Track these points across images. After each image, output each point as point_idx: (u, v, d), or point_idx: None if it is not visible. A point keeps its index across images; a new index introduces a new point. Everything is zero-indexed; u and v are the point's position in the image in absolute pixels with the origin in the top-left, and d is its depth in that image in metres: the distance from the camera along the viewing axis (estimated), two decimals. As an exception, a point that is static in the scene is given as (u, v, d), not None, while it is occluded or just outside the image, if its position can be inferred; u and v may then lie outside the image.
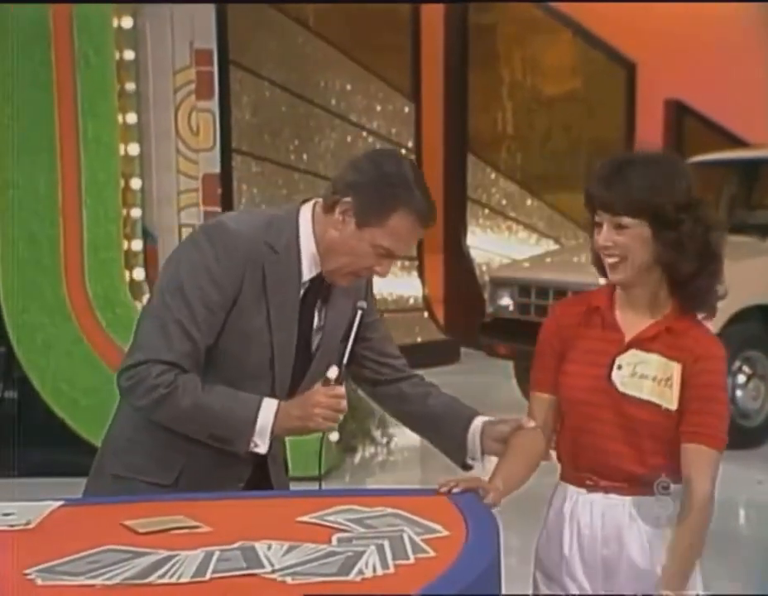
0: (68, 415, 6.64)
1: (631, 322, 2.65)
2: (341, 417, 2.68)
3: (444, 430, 2.93)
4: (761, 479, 6.82)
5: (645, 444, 2.60)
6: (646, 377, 2.59)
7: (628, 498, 2.63)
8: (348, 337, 2.73)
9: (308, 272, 2.73)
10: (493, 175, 11.91)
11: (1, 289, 6.71)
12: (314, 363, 2.77)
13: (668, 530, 2.59)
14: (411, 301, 11.03)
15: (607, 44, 12.02)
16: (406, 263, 10.98)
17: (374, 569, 2.01)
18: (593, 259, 2.71)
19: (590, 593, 2.67)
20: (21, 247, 6.61)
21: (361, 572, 1.99)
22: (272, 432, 2.63)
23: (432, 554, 2.10)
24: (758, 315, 7.62)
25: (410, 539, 2.16)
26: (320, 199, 2.75)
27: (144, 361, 2.60)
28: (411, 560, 2.06)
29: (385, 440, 7.42)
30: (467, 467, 2.91)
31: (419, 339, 10.70)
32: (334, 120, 10.27)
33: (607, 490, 2.64)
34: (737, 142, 11.25)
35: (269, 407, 2.63)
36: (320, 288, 2.77)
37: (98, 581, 1.96)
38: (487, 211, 11.81)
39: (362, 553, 2.07)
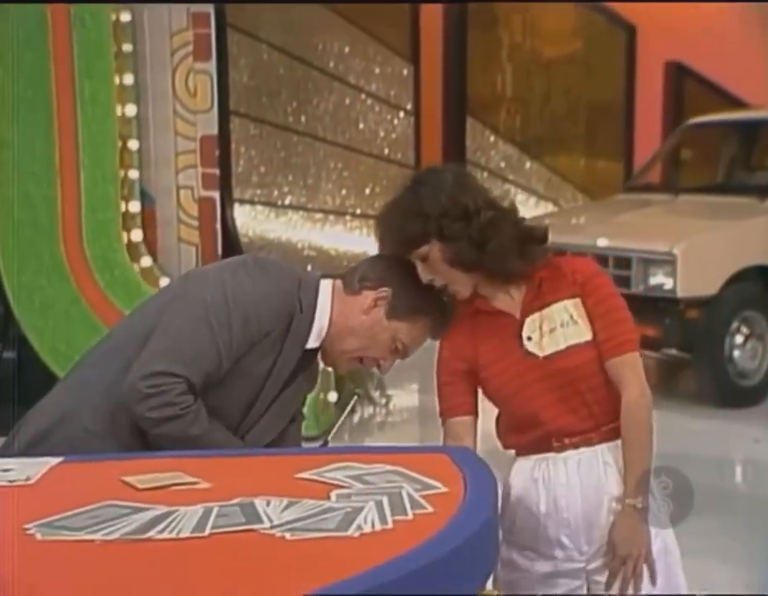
0: (66, 376, 6.64)
1: (511, 303, 2.71)
2: None
3: None
4: (758, 437, 6.85)
5: (591, 383, 2.65)
6: (554, 329, 2.66)
7: (599, 446, 2.68)
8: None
9: (312, 341, 2.76)
10: (492, 138, 11.88)
11: (-1, 250, 6.72)
12: (266, 419, 2.79)
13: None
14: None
15: (607, 6, 11.96)
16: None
17: (373, 525, 2.01)
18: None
19: (572, 550, 2.69)
20: (17, 208, 6.60)
21: (359, 528, 2.00)
22: None
23: (430, 510, 2.10)
24: (756, 276, 7.63)
25: (409, 495, 2.16)
26: (339, 281, 2.81)
27: (171, 373, 2.57)
28: (410, 516, 2.07)
29: (383, 401, 7.45)
30: None
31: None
32: (333, 82, 10.23)
33: (576, 445, 2.68)
34: (737, 104, 11.22)
35: None
36: (304, 363, 2.80)
37: (97, 536, 1.96)
38: (486, 174, 11.78)
39: (361, 509, 2.08)
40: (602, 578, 2.66)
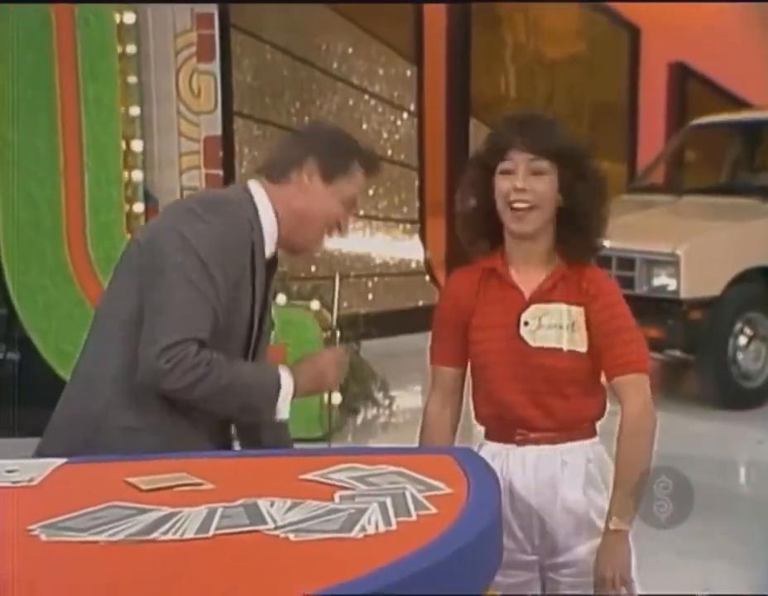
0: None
1: (527, 278, 2.70)
2: (345, 374, 2.88)
3: None
4: (762, 439, 6.84)
5: (566, 390, 2.66)
6: (553, 326, 2.66)
7: (560, 446, 2.69)
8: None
9: (269, 249, 2.78)
10: (496, 139, 11.87)
11: (2, 250, 6.71)
12: (262, 342, 2.85)
13: (598, 468, 2.70)
14: (413, 265, 11.02)
15: (610, 7, 11.96)
16: (408, 226, 10.97)
17: (376, 526, 2.02)
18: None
19: (524, 542, 2.71)
20: (20, 209, 6.61)
21: (363, 529, 2.00)
22: (293, 397, 2.73)
23: (434, 511, 2.10)
24: (759, 277, 7.62)
25: (413, 496, 2.17)
26: (262, 178, 2.80)
27: (181, 341, 2.57)
28: (413, 517, 2.07)
29: (387, 402, 7.45)
30: None
31: (420, 303, 10.69)
32: (336, 83, 10.23)
33: (538, 441, 2.69)
34: (741, 104, 11.21)
35: (286, 377, 2.72)
36: (270, 270, 2.84)
37: (101, 537, 1.97)
38: (489, 175, 11.78)
39: (365, 510, 2.08)
40: (559, 576, 2.71)
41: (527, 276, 2.70)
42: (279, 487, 2.23)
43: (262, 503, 2.12)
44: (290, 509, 2.10)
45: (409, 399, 7.69)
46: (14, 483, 2.29)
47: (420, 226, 11.03)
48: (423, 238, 11.09)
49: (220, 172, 7.22)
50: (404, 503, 2.13)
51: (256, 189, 2.78)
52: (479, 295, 2.74)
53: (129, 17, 6.95)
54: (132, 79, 6.96)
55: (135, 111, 6.97)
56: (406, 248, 10.94)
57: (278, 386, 2.69)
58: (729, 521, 5.39)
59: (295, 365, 2.79)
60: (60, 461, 2.44)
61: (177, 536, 1.98)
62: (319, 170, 2.77)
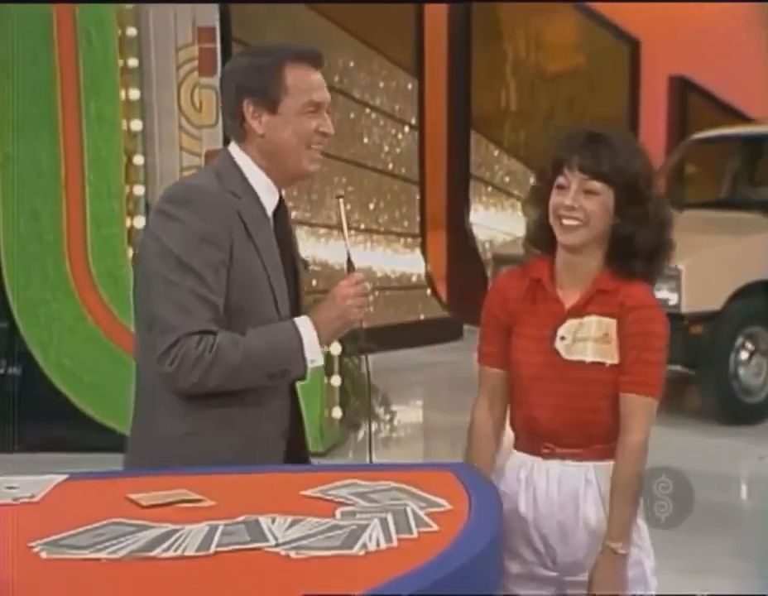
0: (71, 391, 6.66)
1: (571, 292, 2.70)
2: (370, 298, 2.76)
3: None
4: (763, 455, 6.83)
5: (595, 406, 2.65)
6: (586, 339, 2.66)
7: (585, 464, 2.68)
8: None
9: (270, 206, 2.76)
10: (496, 152, 11.89)
11: (4, 264, 6.72)
12: (299, 281, 2.84)
13: None
14: (414, 278, 11.03)
15: (610, 21, 11.98)
16: (409, 240, 10.97)
17: (378, 543, 2.02)
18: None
19: (545, 557, 2.70)
20: (22, 223, 6.61)
21: (364, 546, 2.00)
22: (321, 342, 2.69)
23: (435, 528, 2.10)
24: (761, 291, 7.62)
25: (414, 513, 2.17)
26: (232, 142, 2.79)
27: (176, 340, 2.56)
28: (415, 534, 2.07)
29: (387, 417, 7.43)
30: None
31: (421, 316, 10.70)
32: (337, 97, 10.25)
33: (563, 457, 2.69)
34: (741, 118, 11.22)
35: (305, 325, 2.67)
36: (285, 215, 2.82)
37: (102, 554, 1.97)
38: (490, 188, 11.80)
39: (366, 527, 2.08)
40: (576, 593, 2.68)
41: (571, 291, 2.71)
42: (280, 503, 2.23)
43: (263, 520, 2.11)
44: (291, 526, 2.10)
45: (410, 414, 7.68)
46: (15, 499, 2.29)
47: (421, 240, 11.03)
48: (424, 252, 11.09)
49: (221, 186, 7.22)
50: (405, 520, 2.13)
51: (236, 152, 2.76)
52: (524, 302, 2.74)
53: (131, 31, 6.97)
54: (134, 94, 6.97)
55: (136, 125, 6.98)
56: (407, 262, 10.94)
57: (299, 340, 2.65)
58: (730, 537, 5.38)
59: (314, 308, 2.74)
60: (60, 478, 2.44)
61: (178, 553, 1.98)
62: (259, 106, 2.70)
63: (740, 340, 7.58)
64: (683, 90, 12.24)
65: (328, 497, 2.28)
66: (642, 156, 2.68)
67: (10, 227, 6.63)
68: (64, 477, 2.45)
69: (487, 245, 11.37)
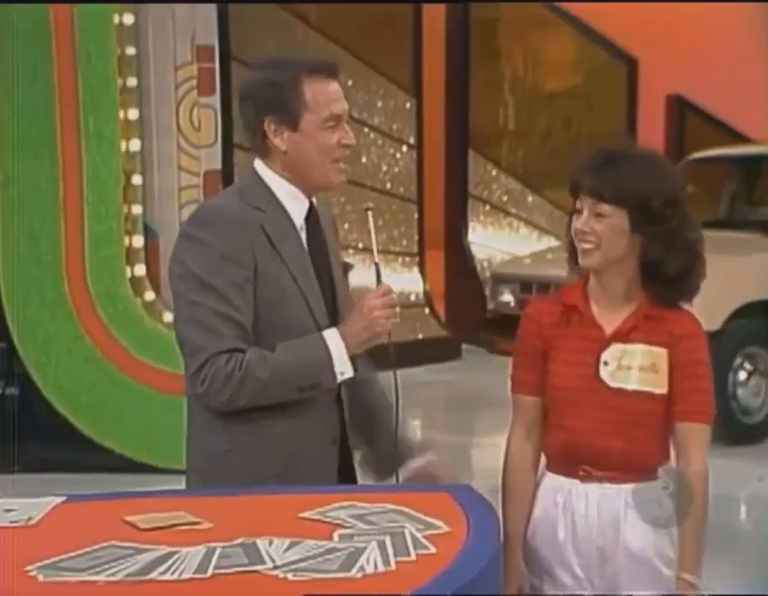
0: (69, 412, 6.65)
1: (609, 316, 2.68)
2: (398, 309, 2.73)
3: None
4: (762, 475, 6.82)
5: (637, 434, 2.64)
6: (633, 367, 2.63)
7: (624, 487, 2.66)
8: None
9: (299, 216, 2.76)
10: (494, 171, 11.90)
11: (2, 285, 6.72)
12: (336, 287, 2.83)
13: (664, 511, 2.65)
14: (412, 297, 11.02)
15: (608, 40, 12.00)
16: (407, 259, 10.97)
17: (375, 566, 2.01)
18: (568, 249, 2.76)
19: (584, 581, 2.68)
20: (21, 244, 6.61)
21: (362, 568, 2.00)
22: (348, 353, 2.68)
23: (433, 550, 2.10)
24: (760, 312, 7.61)
25: (412, 535, 2.16)
26: (257, 158, 2.80)
27: (205, 361, 2.58)
28: (413, 557, 2.07)
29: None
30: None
31: (420, 335, 10.68)
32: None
33: (601, 480, 2.67)
34: (739, 138, 11.24)
35: (333, 336, 2.67)
36: (317, 222, 2.81)
37: (100, 577, 1.96)
38: (488, 207, 11.80)
39: (364, 549, 2.07)
40: None
41: (609, 314, 2.69)
42: (278, 525, 2.23)
43: (261, 542, 2.11)
44: (288, 548, 2.09)
45: (408, 434, 7.65)
46: (12, 522, 2.28)
47: (419, 259, 11.03)
48: (422, 271, 11.09)
49: (220, 205, 7.22)
50: (403, 543, 2.13)
51: (261, 167, 2.77)
52: (559, 327, 2.72)
53: (130, 50, 6.98)
54: (133, 113, 6.98)
55: (135, 145, 6.99)
56: (405, 281, 10.93)
57: (328, 352, 2.65)
58: (729, 558, 5.36)
59: (345, 321, 2.73)
60: (58, 500, 2.44)
61: (175, 576, 1.97)
62: (280, 123, 2.70)
63: (738, 360, 7.56)
64: (680, 109, 12.26)
65: (326, 520, 2.27)
66: (661, 175, 2.65)
67: (9, 248, 6.62)
68: (62, 499, 2.45)
69: (486, 264, 11.37)
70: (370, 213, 2.89)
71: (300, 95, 2.69)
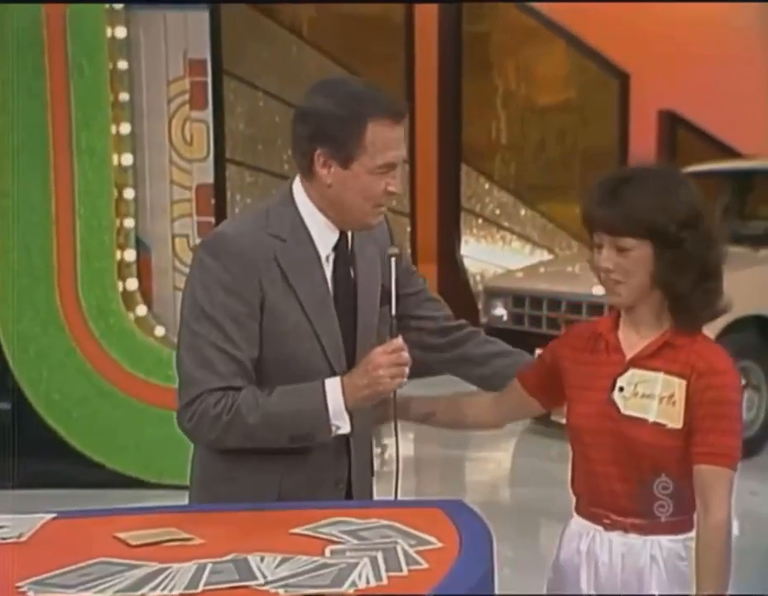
0: (61, 427, 6.63)
1: (633, 341, 2.56)
2: (407, 370, 2.56)
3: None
4: (756, 490, 6.81)
5: (658, 470, 2.50)
6: (648, 396, 2.49)
7: (651, 538, 2.53)
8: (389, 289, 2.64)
9: (326, 247, 2.65)
10: (487, 185, 11.92)
11: (-5, 300, 6.71)
12: (360, 328, 2.70)
13: (690, 568, 2.49)
14: (405, 311, 11.02)
15: (600, 54, 12.04)
16: (400, 273, 10.97)
17: (367, 581, 2.01)
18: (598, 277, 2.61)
19: None
20: (15, 258, 6.60)
21: (354, 584, 1.99)
22: (347, 409, 2.56)
23: (425, 566, 2.09)
24: (752, 326, 7.63)
25: (404, 551, 2.16)
26: (297, 176, 2.68)
27: (197, 396, 2.53)
28: (405, 572, 2.06)
29: (378, 450, 7.40)
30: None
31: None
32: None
33: (626, 529, 2.55)
34: (731, 153, 11.27)
35: (334, 388, 2.55)
36: (347, 255, 2.69)
37: (90, 594, 1.96)
38: (480, 221, 11.81)
39: (356, 565, 2.07)
40: None
41: (633, 340, 2.56)
42: (269, 541, 2.22)
43: (252, 558, 2.10)
44: (280, 564, 2.09)
45: (401, 447, 7.64)
46: (3, 539, 2.28)
47: (412, 272, 11.03)
48: (415, 285, 11.08)
49: (212, 219, 7.23)
50: (395, 558, 2.12)
51: (297, 189, 2.66)
52: (585, 353, 2.60)
53: (122, 64, 6.98)
54: (125, 127, 6.98)
55: (127, 159, 6.99)
56: (398, 294, 10.93)
57: (324, 405, 2.54)
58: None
59: (351, 372, 2.60)
60: (49, 516, 2.43)
61: (166, 593, 1.97)
62: (332, 158, 2.56)
63: (731, 374, 7.57)
64: (672, 124, 12.29)
65: (317, 535, 2.27)
66: (671, 196, 2.46)
67: (4, 262, 6.61)
68: (53, 515, 2.44)
69: (478, 278, 11.38)
70: (394, 259, 2.66)
71: (361, 137, 2.54)
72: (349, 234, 2.72)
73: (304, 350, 2.61)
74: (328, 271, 2.67)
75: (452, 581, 2.03)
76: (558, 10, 11.40)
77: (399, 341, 2.57)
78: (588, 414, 2.55)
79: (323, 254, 2.66)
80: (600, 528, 2.57)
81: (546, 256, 11.76)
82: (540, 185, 12.15)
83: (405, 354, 2.56)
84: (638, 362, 2.53)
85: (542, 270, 9.37)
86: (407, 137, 9.09)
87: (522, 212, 12.04)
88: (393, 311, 2.61)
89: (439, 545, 2.21)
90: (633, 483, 2.51)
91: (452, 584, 2.02)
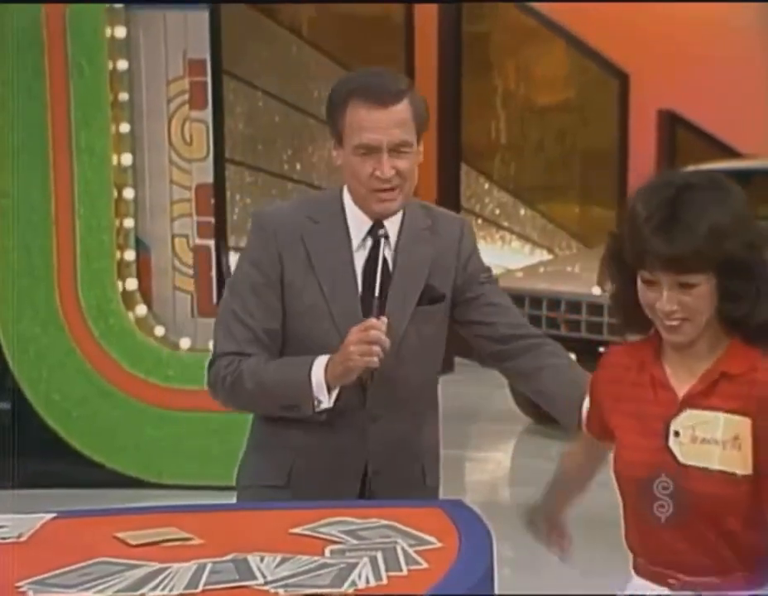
0: (60, 427, 6.63)
1: (683, 375, 2.23)
2: (378, 349, 2.56)
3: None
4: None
5: (728, 524, 2.18)
6: (709, 441, 2.16)
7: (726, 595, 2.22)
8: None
9: (357, 233, 2.71)
10: (487, 185, 11.92)
11: (-5, 300, 6.71)
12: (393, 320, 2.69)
13: None
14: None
15: (600, 54, 12.04)
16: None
17: (367, 581, 2.01)
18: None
19: None
20: (14, 258, 6.60)
21: (354, 584, 2.00)
22: (327, 384, 2.61)
23: (425, 565, 2.10)
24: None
25: (404, 550, 2.16)
26: None
27: (214, 358, 2.70)
28: (404, 572, 2.07)
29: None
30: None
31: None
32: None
33: (696, 588, 2.22)
34: (730, 153, 11.27)
35: (320, 363, 2.63)
36: (383, 245, 2.72)
37: (90, 594, 1.96)
38: (480, 221, 11.81)
39: (356, 565, 2.07)
40: None
41: (683, 373, 2.22)
42: (269, 541, 2.22)
43: (252, 558, 2.11)
44: (279, 564, 2.09)
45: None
46: (2, 539, 2.28)
47: (412, 272, 11.03)
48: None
49: (212, 219, 7.23)
50: (395, 558, 2.13)
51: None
52: (629, 388, 2.27)
53: (122, 64, 6.97)
54: (125, 127, 6.98)
55: (127, 159, 6.99)
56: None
57: (309, 378, 2.61)
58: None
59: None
60: (48, 516, 2.43)
61: (166, 592, 1.97)
62: (333, 138, 2.73)
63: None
64: (671, 124, 12.29)
65: (317, 535, 2.27)
66: (737, 214, 2.16)
67: (4, 262, 6.61)
68: (52, 515, 2.44)
69: (478, 277, 11.38)
70: (383, 240, 2.71)
71: (342, 117, 2.67)
72: (396, 227, 2.76)
73: (320, 330, 2.69)
74: (361, 258, 2.73)
75: (452, 581, 2.04)
76: (558, 10, 11.40)
77: (371, 320, 2.58)
78: (642, 463, 2.22)
79: (355, 241, 2.72)
80: (665, 589, 2.26)
81: (546, 256, 11.76)
82: (539, 185, 12.16)
83: (376, 333, 2.56)
84: (693, 400, 2.20)
85: (542, 270, 9.36)
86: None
87: (522, 212, 12.05)
88: (377, 292, 2.64)
89: (439, 545, 2.21)
90: (697, 537, 2.20)
91: (452, 584, 2.02)
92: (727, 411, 2.16)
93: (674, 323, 2.16)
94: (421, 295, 2.76)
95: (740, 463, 2.14)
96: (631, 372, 2.27)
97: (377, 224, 2.73)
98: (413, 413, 2.80)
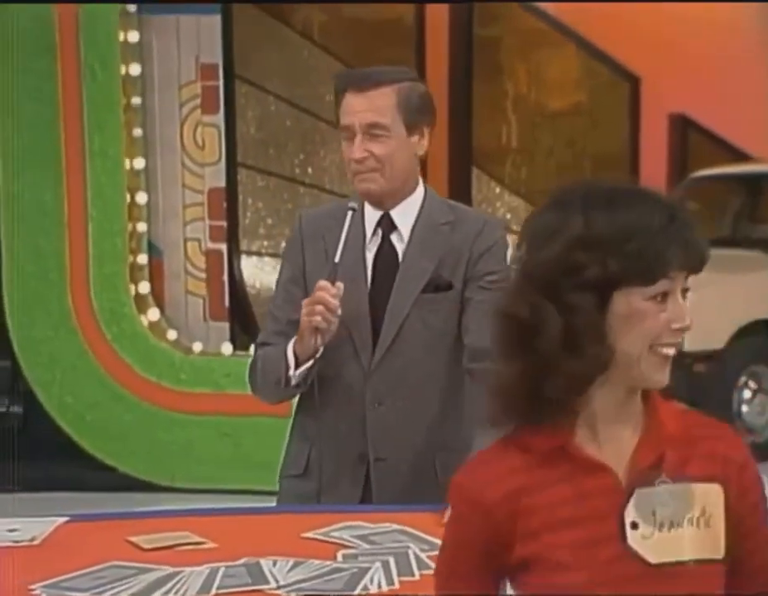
0: (73, 430, 6.65)
1: (614, 447, 1.62)
2: (321, 308, 2.56)
3: None
4: None
5: None
6: (677, 523, 1.60)
7: None
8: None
9: (369, 224, 2.76)
10: (498, 189, 11.90)
11: (6, 302, 6.72)
12: (388, 308, 2.72)
13: None
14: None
15: (611, 58, 12.02)
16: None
17: (379, 586, 2.01)
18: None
19: None
20: (27, 261, 6.62)
21: (366, 588, 2.00)
22: (295, 357, 2.65)
23: (437, 570, 2.09)
24: (764, 330, 7.60)
25: (416, 555, 2.16)
26: None
27: (254, 349, 2.86)
28: (417, 577, 2.07)
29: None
30: None
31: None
32: (340, 134, 10.25)
33: None
34: (742, 157, 11.24)
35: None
36: (391, 236, 2.77)
37: (103, 597, 1.96)
38: (491, 225, 11.81)
39: (368, 569, 2.07)
40: None
41: (614, 443, 1.61)
42: (281, 545, 2.22)
43: (265, 562, 2.11)
44: (292, 568, 2.09)
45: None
46: (16, 542, 2.28)
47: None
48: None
49: (224, 223, 7.24)
50: (407, 562, 2.13)
51: None
52: (533, 494, 1.58)
53: (135, 69, 6.99)
54: (137, 132, 6.99)
55: (139, 163, 7.00)
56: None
57: (285, 351, 2.68)
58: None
59: None
60: (61, 519, 2.43)
61: (179, 597, 1.97)
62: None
63: (743, 379, 7.55)
64: (683, 128, 12.27)
65: (329, 539, 2.27)
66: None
67: (14, 265, 6.63)
68: (65, 519, 2.44)
69: (489, 281, 11.37)
70: (350, 213, 2.71)
71: (338, 98, 2.79)
72: (411, 220, 2.78)
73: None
74: (372, 251, 2.77)
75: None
76: (568, 13, 11.40)
77: (324, 283, 2.59)
78: (599, 581, 1.57)
79: (368, 233, 2.77)
80: None
81: (557, 260, 11.74)
82: (550, 190, 12.13)
83: (321, 294, 2.57)
84: (641, 478, 1.61)
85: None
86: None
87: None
88: (337, 259, 2.64)
89: (451, 549, 2.21)
90: None
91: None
92: (690, 480, 1.63)
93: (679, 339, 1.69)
94: (427, 282, 2.77)
95: (715, 546, 1.62)
96: (521, 475, 1.58)
97: (385, 217, 2.77)
98: (420, 403, 2.76)
